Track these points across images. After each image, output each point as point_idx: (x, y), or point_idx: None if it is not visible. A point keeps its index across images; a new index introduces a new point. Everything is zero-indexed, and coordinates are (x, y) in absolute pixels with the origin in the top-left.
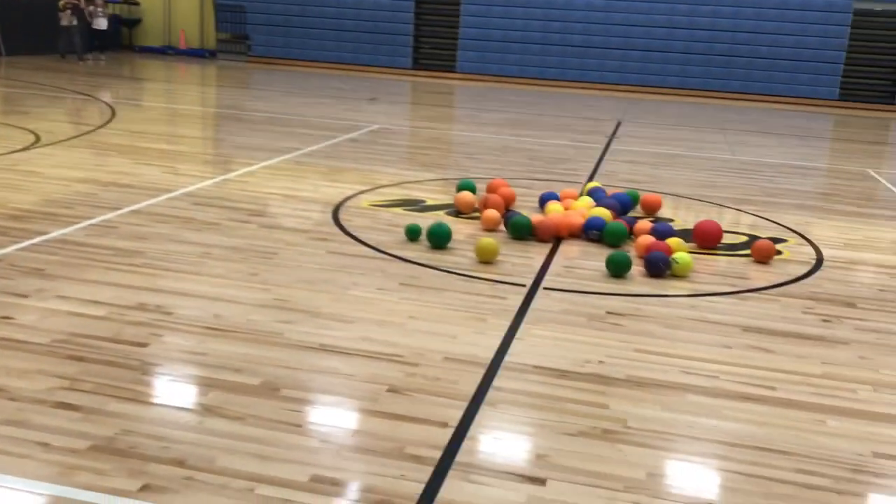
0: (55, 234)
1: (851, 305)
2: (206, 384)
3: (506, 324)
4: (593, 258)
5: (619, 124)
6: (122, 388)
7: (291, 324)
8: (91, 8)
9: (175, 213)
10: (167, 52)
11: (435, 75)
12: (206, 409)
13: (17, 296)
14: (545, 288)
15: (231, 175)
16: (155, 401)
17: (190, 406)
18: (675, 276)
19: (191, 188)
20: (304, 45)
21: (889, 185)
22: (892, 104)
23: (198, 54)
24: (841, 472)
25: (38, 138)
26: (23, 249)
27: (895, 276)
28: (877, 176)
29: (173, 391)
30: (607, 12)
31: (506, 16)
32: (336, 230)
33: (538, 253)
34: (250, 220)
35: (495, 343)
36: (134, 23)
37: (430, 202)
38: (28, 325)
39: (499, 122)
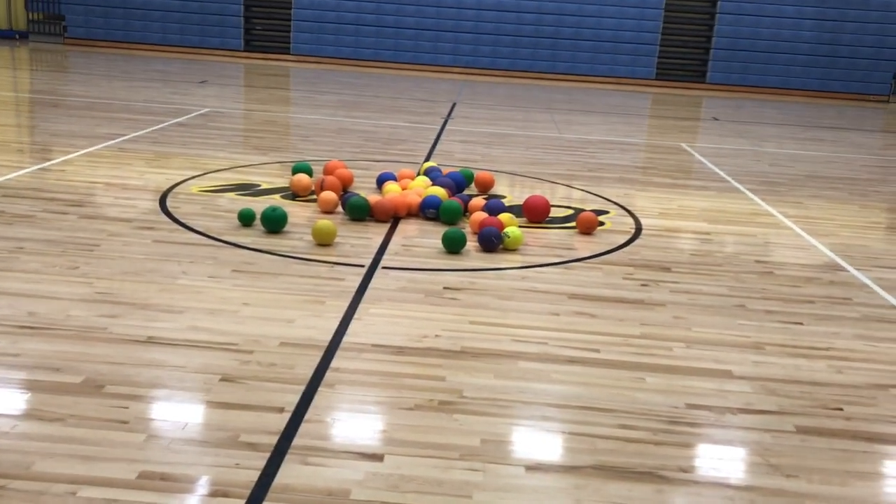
0: None
1: (667, 270)
2: (20, 386)
3: (344, 305)
4: (430, 236)
5: (453, 105)
6: None
7: (116, 317)
8: None
9: None
10: None
11: (268, 57)
12: (20, 413)
13: None
14: (384, 267)
15: (47, 164)
16: None
17: (3, 411)
18: (508, 250)
19: (1, 179)
20: (127, 25)
21: (700, 158)
22: (703, 82)
23: (6, 35)
24: (659, 424)
25: None
26: None
27: (705, 241)
28: (690, 150)
29: None
30: None
31: None
32: (163, 218)
33: (376, 233)
34: (69, 210)
35: (333, 325)
36: None
37: (264, 186)
38: None
39: (334, 104)
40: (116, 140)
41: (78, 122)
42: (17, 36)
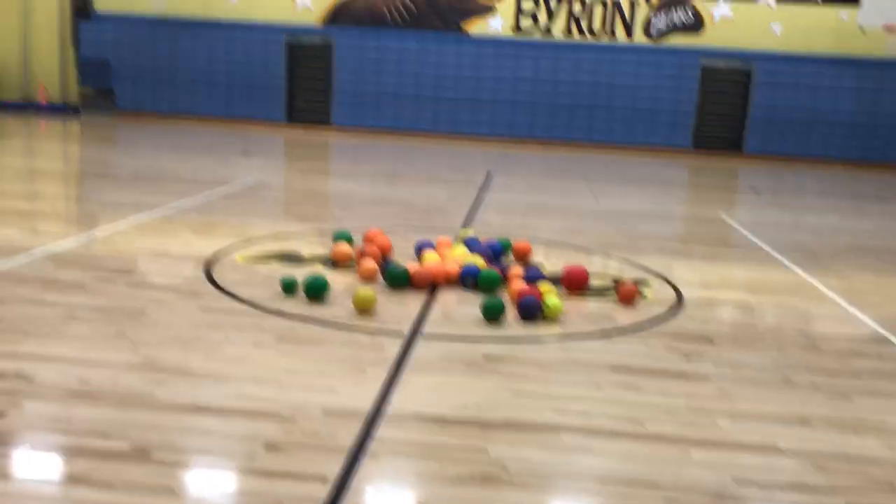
0: None
1: (709, 341)
2: (71, 453)
3: (385, 373)
4: (469, 305)
5: (490, 175)
6: None
7: (162, 384)
8: None
9: (35, 275)
10: (26, 106)
11: (310, 128)
12: (71, 479)
13: None
14: (424, 336)
15: (97, 233)
16: (15, 474)
17: (54, 477)
18: (547, 320)
19: (52, 248)
20: (174, 98)
21: (740, 228)
22: (740, 151)
23: (59, 109)
24: (705, 499)
25: None
26: None
27: (748, 312)
28: (729, 220)
29: (35, 462)
30: (476, 67)
31: (378, 70)
32: (208, 286)
33: (416, 302)
34: (117, 279)
35: (375, 394)
36: None
37: (306, 254)
38: None
39: (374, 174)
40: (163, 210)
41: (127, 193)
42: (70, 110)
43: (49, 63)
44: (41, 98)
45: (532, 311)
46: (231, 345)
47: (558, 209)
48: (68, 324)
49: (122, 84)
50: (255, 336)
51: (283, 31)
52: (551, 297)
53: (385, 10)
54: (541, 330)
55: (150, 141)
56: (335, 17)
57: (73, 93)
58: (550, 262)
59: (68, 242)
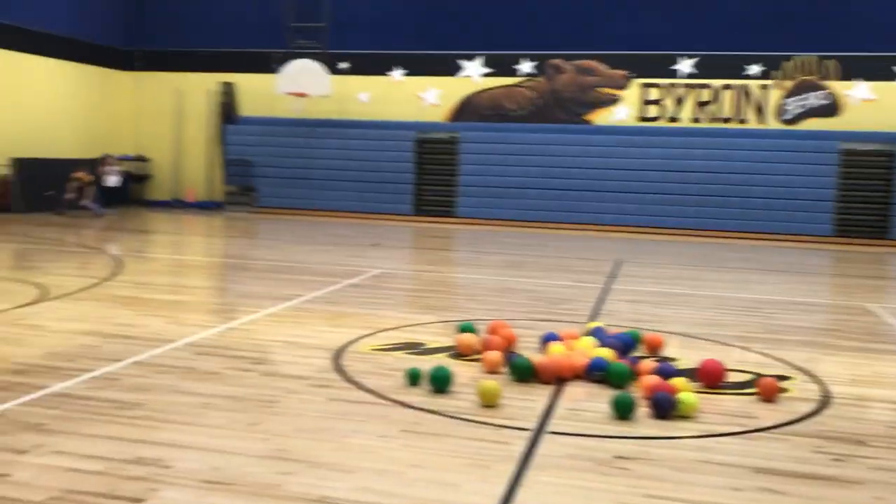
0: (56, 387)
1: (862, 443)
2: None
3: (510, 470)
4: (597, 399)
5: (618, 264)
6: None
7: (291, 475)
8: (103, 167)
9: (177, 364)
10: (175, 205)
11: (435, 221)
12: None
13: (14, 452)
14: (550, 432)
15: (234, 323)
16: None
17: None
18: (682, 417)
19: (193, 338)
20: (310, 195)
21: (890, 320)
22: (885, 238)
23: (206, 206)
24: None
25: (45, 292)
26: (23, 404)
27: None
28: (877, 311)
29: None
30: (604, 157)
31: (503, 163)
32: (337, 376)
33: (541, 395)
34: (252, 368)
35: (500, 491)
36: (144, 178)
37: (431, 345)
38: (24, 483)
39: (498, 264)
40: (296, 300)
41: (263, 284)
42: (214, 206)
43: (197, 165)
44: (189, 197)
45: (665, 407)
46: (357, 435)
47: (692, 300)
48: (205, 412)
49: (262, 182)
50: (380, 427)
51: (411, 127)
52: (686, 392)
53: (508, 104)
54: (675, 428)
55: (286, 235)
56: (461, 113)
57: (218, 191)
58: (684, 355)
59: (208, 332)
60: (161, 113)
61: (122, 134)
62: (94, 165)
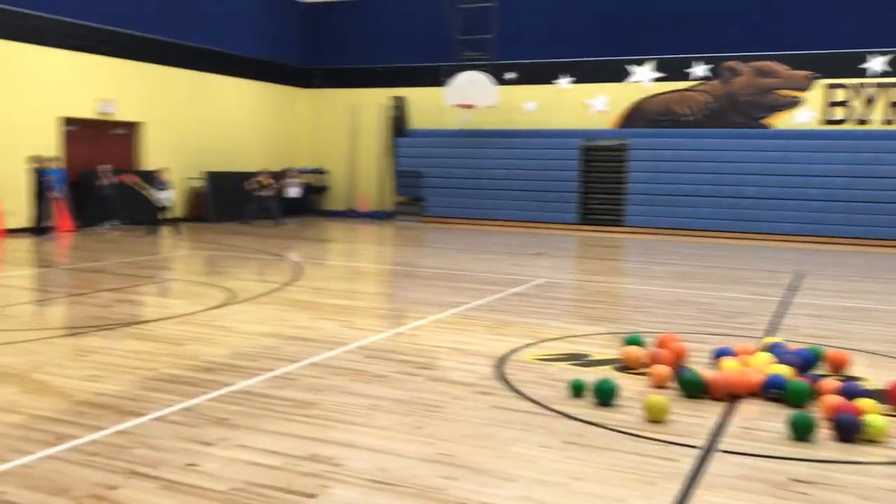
0: (240, 385)
1: None
2: None
3: (677, 488)
4: (773, 419)
5: (799, 276)
6: None
7: (454, 480)
8: (284, 179)
9: (349, 366)
10: (349, 214)
11: (601, 230)
12: None
13: (202, 444)
14: (721, 450)
15: (402, 328)
16: None
17: None
18: (869, 441)
19: (364, 341)
20: (477, 204)
21: None
22: None
23: (377, 216)
24: None
25: (232, 295)
26: (211, 399)
27: None
28: None
29: None
30: (783, 163)
31: (674, 170)
32: (500, 384)
33: (712, 412)
34: (418, 372)
35: None
36: (322, 190)
37: (595, 356)
38: (210, 473)
39: (668, 275)
40: (462, 308)
41: (430, 291)
42: (385, 216)
43: (370, 176)
44: (362, 207)
45: (850, 429)
46: (519, 444)
47: (881, 315)
48: (373, 413)
49: (430, 192)
50: (542, 437)
51: (578, 135)
52: (874, 415)
53: (680, 109)
54: (860, 452)
55: (452, 244)
56: (629, 120)
57: (389, 201)
58: (872, 374)
59: (377, 336)
60: (337, 127)
61: (302, 148)
62: (277, 178)
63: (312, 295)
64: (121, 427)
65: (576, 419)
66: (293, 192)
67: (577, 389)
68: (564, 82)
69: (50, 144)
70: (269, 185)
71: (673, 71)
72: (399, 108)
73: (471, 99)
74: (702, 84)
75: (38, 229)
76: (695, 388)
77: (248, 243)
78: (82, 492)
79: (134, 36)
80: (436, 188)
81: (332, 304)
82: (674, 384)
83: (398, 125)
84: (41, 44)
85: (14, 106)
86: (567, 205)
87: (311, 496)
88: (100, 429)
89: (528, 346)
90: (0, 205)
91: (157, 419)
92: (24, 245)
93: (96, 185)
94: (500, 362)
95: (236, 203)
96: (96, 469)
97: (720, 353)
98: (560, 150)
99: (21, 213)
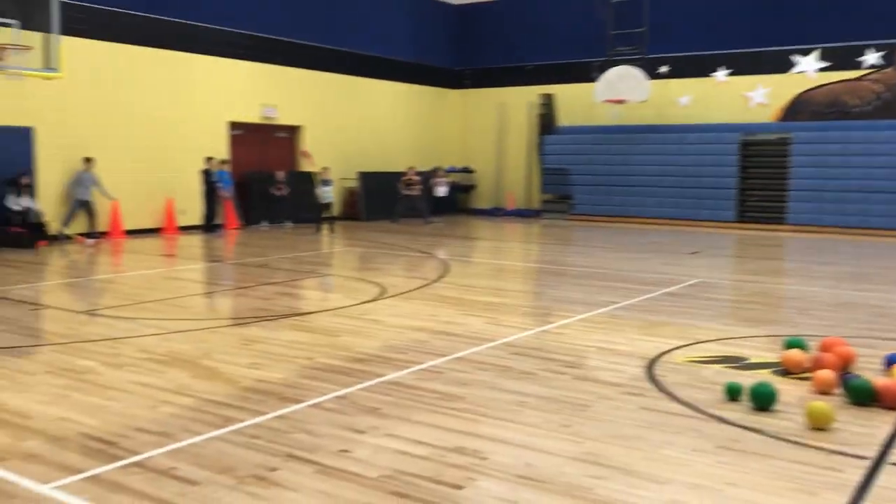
0: (390, 376)
1: None
2: None
3: (841, 501)
4: None
5: None
6: None
7: (601, 479)
8: (434, 179)
9: (495, 362)
10: (496, 213)
11: (761, 228)
12: None
13: (355, 431)
14: (893, 463)
15: (548, 327)
16: None
17: None
18: None
19: (510, 338)
20: (625, 202)
21: None
22: None
23: (524, 214)
24: None
25: (383, 290)
26: (363, 389)
27: None
28: None
29: None
30: None
31: (843, 164)
32: (650, 385)
33: (883, 422)
34: (565, 371)
35: None
36: (469, 188)
37: (753, 360)
38: (361, 459)
39: (835, 276)
40: (610, 307)
41: (577, 289)
42: (532, 214)
43: (517, 174)
44: (509, 205)
45: None
46: (670, 447)
47: None
48: (520, 410)
49: (577, 190)
50: (695, 441)
51: (736, 129)
52: None
53: (849, 100)
54: None
55: (600, 242)
56: (792, 112)
57: (536, 199)
58: None
59: (523, 334)
60: (485, 126)
61: (451, 147)
62: (426, 177)
63: (460, 291)
64: (280, 412)
65: (731, 423)
66: (441, 191)
67: (734, 393)
68: (721, 75)
69: (220, 148)
70: (416, 183)
71: (841, 60)
72: (547, 105)
73: (622, 94)
74: (874, 73)
75: (208, 227)
76: (864, 396)
77: (398, 241)
78: (245, 472)
79: (294, 44)
80: (583, 185)
81: (479, 300)
82: (839, 391)
83: (546, 122)
84: (212, 54)
85: (187, 112)
86: (724, 202)
87: (459, 487)
88: (261, 413)
89: (680, 347)
90: (173, 203)
91: (313, 406)
92: (195, 241)
93: (270, 190)
94: (651, 363)
95: (388, 202)
96: (257, 451)
97: (892, 360)
98: (717, 144)
99: (194, 211)
